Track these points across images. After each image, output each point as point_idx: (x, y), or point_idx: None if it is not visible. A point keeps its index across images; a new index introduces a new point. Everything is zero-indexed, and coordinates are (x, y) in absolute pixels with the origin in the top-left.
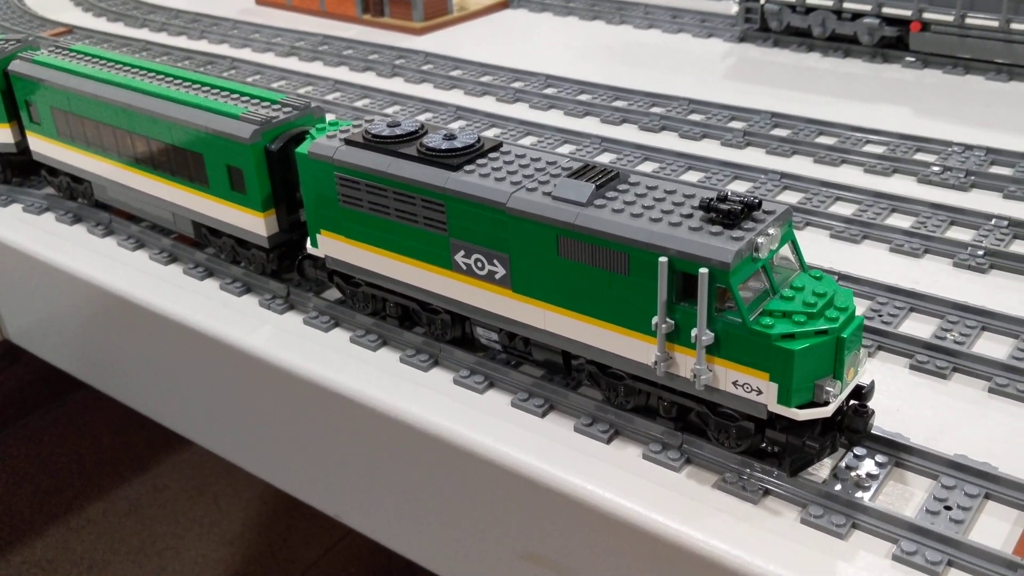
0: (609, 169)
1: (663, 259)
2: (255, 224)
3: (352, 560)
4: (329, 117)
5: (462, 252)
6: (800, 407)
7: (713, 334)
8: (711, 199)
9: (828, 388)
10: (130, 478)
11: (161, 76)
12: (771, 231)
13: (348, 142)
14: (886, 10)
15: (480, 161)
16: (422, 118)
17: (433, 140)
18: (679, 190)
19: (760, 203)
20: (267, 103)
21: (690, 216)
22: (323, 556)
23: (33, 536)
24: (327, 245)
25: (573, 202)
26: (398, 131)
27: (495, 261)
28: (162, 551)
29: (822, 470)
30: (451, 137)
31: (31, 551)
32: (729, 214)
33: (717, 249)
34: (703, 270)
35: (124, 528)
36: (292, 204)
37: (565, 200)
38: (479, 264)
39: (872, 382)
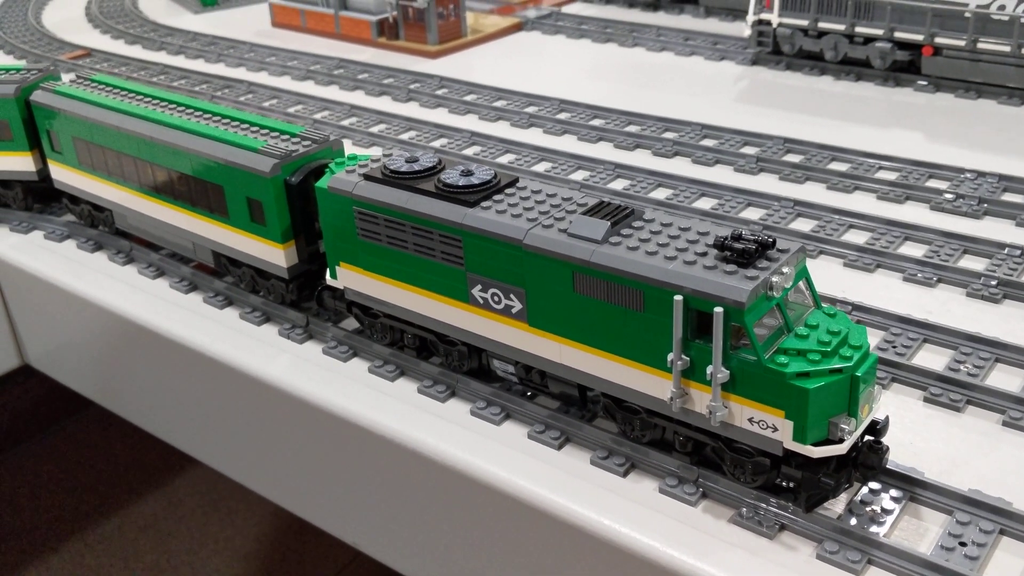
0: (623, 206)
1: (678, 297)
2: (275, 255)
3: None
4: (347, 149)
5: (479, 286)
6: (815, 444)
7: (728, 371)
8: (725, 237)
9: (843, 425)
10: (145, 494)
11: (182, 108)
12: (785, 269)
13: (367, 177)
14: (898, 34)
15: (497, 197)
16: (437, 144)
17: (451, 176)
18: (693, 227)
19: (774, 241)
20: (286, 136)
21: (704, 254)
22: (338, 574)
23: (49, 552)
24: (346, 277)
25: (588, 239)
26: (416, 166)
27: (511, 295)
28: (177, 567)
29: (837, 505)
30: (468, 173)
31: (47, 567)
32: (744, 253)
33: (732, 288)
34: (718, 309)
35: (139, 544)
36: (311, 235)
37: (580, 237)
38: (496, 298)
39: (887, 417)
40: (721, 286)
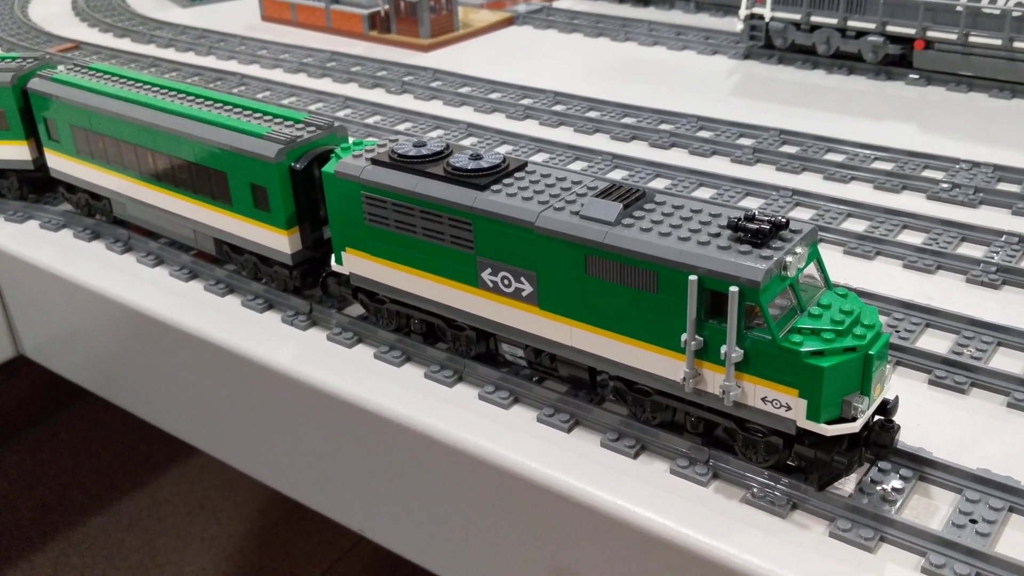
0: (635, 188)
1: (693, 277)
2: (279, 242)
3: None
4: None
5: (489, 270)
6: (829, 423)
7: (742, 351)
8: (739, 218)
9: (856, 404)
10: (130, 492)
11: (182, 95)
12: (798, 250)
13: (375, 162)
14: (890, 28)
15: (507, 181)
16: (434, 135)
17: (460, 160)
18: (705, 209)
19: (788, 222)
20: (290, 122)
21: (718, 235)
22: (325, 572)
23: (33, 551)
24: (352, 263)
25: (601, 221)
26: (424, 151)
27: (522, 279)
28: (163, 566)
29: (847, 484)
30: (477, 157)
31: (31, 566)
32: (758, 233)
33: (747, 268)
34: (733, 288)
35: (124, 543)
36: (315, 222)
37: (593, 219)
38: (506, 282)
39: (896, 397)
40: (736, 266)
